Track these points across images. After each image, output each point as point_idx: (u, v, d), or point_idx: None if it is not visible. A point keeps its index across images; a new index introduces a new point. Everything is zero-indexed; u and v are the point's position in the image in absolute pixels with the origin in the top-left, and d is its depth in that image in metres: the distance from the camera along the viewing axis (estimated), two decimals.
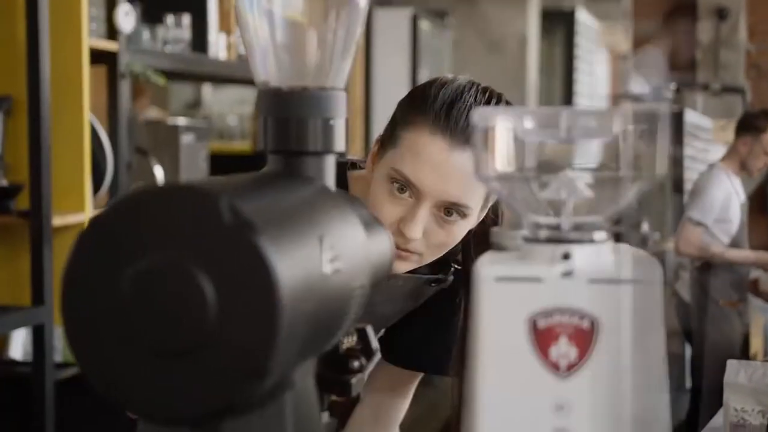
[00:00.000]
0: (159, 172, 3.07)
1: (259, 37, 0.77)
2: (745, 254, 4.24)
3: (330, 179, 0.77)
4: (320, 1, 0.77)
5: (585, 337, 0.64)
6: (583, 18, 7.47)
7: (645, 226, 5.58)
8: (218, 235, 0.58)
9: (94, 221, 0.61)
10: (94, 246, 0.61)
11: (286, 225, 0.63)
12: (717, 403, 1.87)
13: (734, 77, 9.04)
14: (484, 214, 1.29)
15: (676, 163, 6.99)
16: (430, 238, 1.24)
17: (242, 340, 0.58)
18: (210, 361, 0.58)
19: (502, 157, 0.67)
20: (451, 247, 1.27)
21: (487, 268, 0.66)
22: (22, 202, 2.47)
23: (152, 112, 4.49)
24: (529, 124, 0.66)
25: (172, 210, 0.60)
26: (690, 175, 6.88)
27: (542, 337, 0.64)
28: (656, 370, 0.65)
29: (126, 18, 2.71)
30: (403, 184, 1.21)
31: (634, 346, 0.64)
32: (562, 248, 0.65)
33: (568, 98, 7.19)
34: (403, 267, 1.26)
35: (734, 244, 4.24)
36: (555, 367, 0.64)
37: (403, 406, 1.52)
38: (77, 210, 2.55)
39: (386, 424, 1.51)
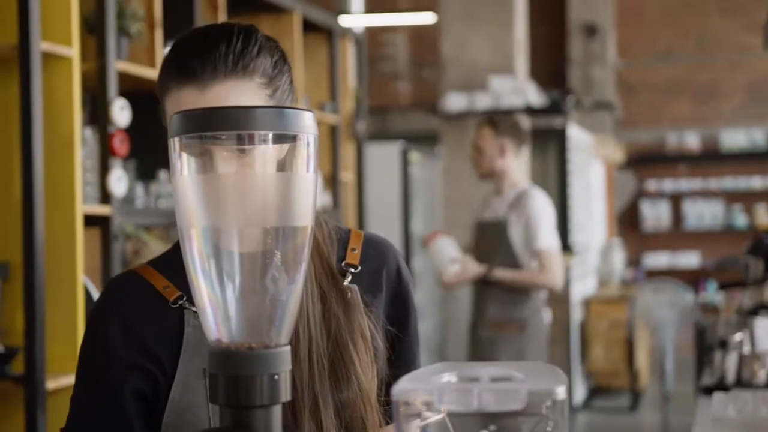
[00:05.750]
0: None
1: (211, 300, 0.86)
2: (511, 273, 3.91)
3: (276, 428, 0.85)
4: (262, 271, 0.86)
5: None
6: (575, 133, 7.63)
7: None
8: None
9: None
10: None
11: None
12: None
13: (604, 93, 9.13)
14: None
15: (563, 175, 7.09)
16: None
17: None
18: None
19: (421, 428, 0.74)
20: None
21: None
22: (17, 365, 2.54)
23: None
24: (444, 397, 0.74)
25: None
26: (573, 179, 6.93)
27: None
28: None
29: (118, 183, 2.83)
30: None
31: None
32: None
33: (563, 211, 7.26)
34: None
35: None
36: None
37: None
38: (71, 372, 2.61)
39: None
